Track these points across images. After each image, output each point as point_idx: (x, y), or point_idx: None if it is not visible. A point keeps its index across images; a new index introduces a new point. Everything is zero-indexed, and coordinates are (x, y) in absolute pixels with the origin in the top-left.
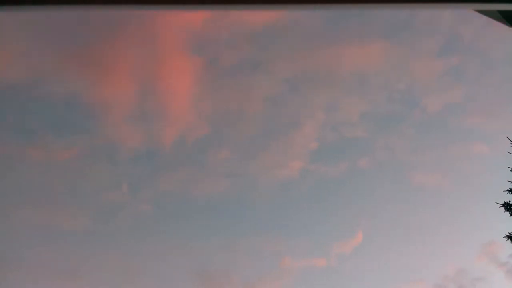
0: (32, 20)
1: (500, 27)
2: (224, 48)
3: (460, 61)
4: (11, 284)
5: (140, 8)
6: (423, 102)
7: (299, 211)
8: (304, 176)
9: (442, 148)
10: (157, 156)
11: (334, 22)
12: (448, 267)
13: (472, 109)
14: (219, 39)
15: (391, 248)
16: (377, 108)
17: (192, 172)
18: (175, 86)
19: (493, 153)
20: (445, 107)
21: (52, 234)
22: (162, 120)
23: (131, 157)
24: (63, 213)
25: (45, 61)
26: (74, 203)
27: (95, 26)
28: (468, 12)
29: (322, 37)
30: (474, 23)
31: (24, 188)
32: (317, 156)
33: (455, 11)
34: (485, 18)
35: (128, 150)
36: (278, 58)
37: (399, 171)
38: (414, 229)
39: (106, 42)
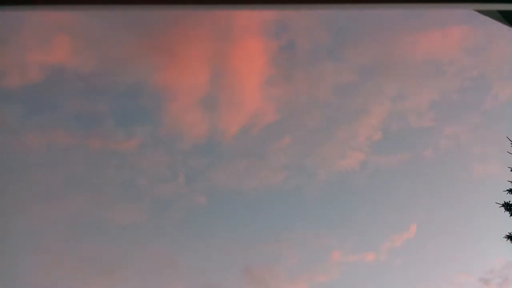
0: (97, 10)
1: (500, 27)
2: (298, 35)
3: None
4: (59, 277)
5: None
6: (494, 90)
7: (354, 204)
8: (364, 168)
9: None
10: (218, 146)
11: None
12: (495, 261)
13: None
14: (293, 25)
15: (444, 242)
16: (447, 97)
17: (250, 163)
18: (245, 73)
19: None
20: None
21: (103, 227)
22: (228, 109)
23: (192, 147)
24: (116, 206)
25: (113, 50)
26: (128, 195)
27: (162, 13)
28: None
29: (397, 24)
30: None
31: (80, 180)
32: (380, 146)
33: (455, 11)
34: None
35: (190, 140)
36: (352, 46)
37: (463, 162)
38: (472, 222)
39: (174, 29)
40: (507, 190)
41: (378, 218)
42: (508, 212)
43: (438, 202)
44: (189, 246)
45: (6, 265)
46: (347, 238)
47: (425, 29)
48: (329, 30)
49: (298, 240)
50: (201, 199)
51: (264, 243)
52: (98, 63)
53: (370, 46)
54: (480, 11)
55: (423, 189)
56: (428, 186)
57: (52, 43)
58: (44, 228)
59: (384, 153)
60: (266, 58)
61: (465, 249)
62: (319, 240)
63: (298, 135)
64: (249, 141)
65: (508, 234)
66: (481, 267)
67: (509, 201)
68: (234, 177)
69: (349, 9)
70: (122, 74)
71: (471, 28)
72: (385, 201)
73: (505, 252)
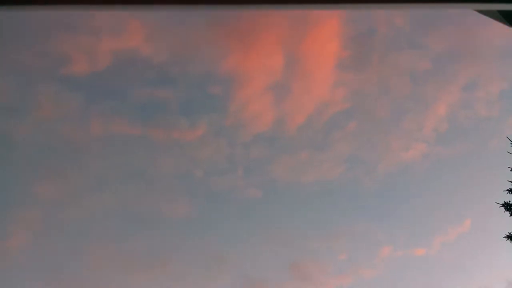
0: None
1: (500, 27)
2: (373, 21)
3: None
4: (110, 267)
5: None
6: None
7: (411, 198)
8: (426, 160)
9: None
10: (281, 137)
11: None
12: None
13: None
14: (368, 12)
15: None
16: None
17: (311, 155)
18: (317, 60)
19: None
20: None
21: (156, 219)
22: (296, 98)
23: (254, 138)
24: (171, 197)
25: (184, 39)
26: (184, 187)
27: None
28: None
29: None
30: None
31: (138, 170)
32: (445, 137)
33: (455, 11)
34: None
35: (253, 131)
36: (427, 34)
37: None
38: None
39: (245, 17)
40: (507, 190)
41: (433, 211)
42: (508, 212)
43: (499, 195)
44: (239, 240)
45: (60, 253)
46: (398, 232)
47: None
48: (405, 16)
49: (348, 235)
50: (256, 192)
51: (314, 238)
52: (169, 51)
53: (449, 32)
54: (480, 11)
55: (485, 181)
56: (490, 178)
57: (123, 30)
58: (98, 217)
59: (448, 143)
60: (340, 45)
61: None
62: (370, 235)
63: (363, 125)
64: (313, 132)
65: (508, 234)
66: None
67: (509, 201)
68: (293, 170)
69: (351, 9)
70: (192, 63)
71: None
72: (443, 195)
73: None
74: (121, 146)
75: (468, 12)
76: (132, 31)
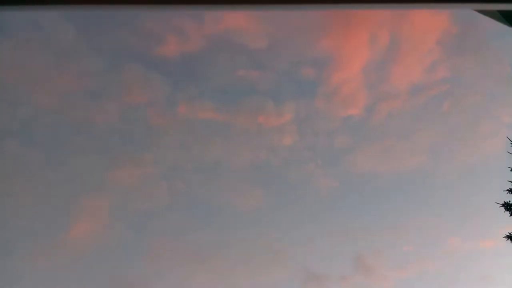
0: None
1: (500, 27)
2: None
3: None
4: (175, 260)
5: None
6: None
7: (486, 189)
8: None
9: None
10: (367, 124)
11: None
12: None
13: None
14: None
15: None
16: None
17: (394, 143)
18: (417, 44)
19: None
20: None
21: (224, 211)
22: (389, 83)
23: (338, 125)
24: (243, 188)
25: (282, 24)
26: (258, 178)
27: None
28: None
29: None
30: None
31: (216, 159)
32: None
33: (455, 11)
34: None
35: (338, 118)
36: None
37: None
38: None
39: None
40: (507, 190)
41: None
42: (508, 212)
43: None
44: (304, 232)
45: (125, 243)
46: (466, 224)
47: None
48: None
49: (415, 227)
50: (333, 183)
51: (381, 230)
52: (263, 35)
53: None
54: (480, 11)
55: None
56: None
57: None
58: (165, 207)
59: None
60: (442, 28)
61: None
62: (437, 227)
63: (453, 113)
64: (401, 118)
65: (508, 234)
66: None
67: (509, 201)
68: (372, 160)
69: (350, 9)
70: (286, 47)
71: None
72: None
73: None
74: (201, 132)
75: (468, 12)
76: (228, 15)
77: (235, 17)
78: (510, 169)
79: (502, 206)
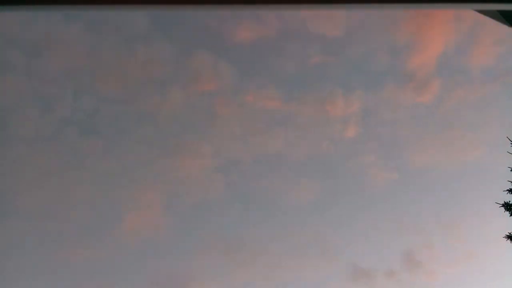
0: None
1: (500, 27)
2: None
3: None
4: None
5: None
6: None
7: None
8: None
9: None
10: (437, 112)
11: None
12: None
13: None
14: None
15: None
16: None
17: (460, 136)
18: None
19: None
20: None
21: (276, 205)
22: (466, 67)
23: (406, 114)
24: (296, 181)
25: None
26: (312, 170)
27: None
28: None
29: None
30: None
31: (275, 150)
32: None
33: (455, 11)
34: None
35: (408, 106)
36: None
37: None
38: None
39: None
40: (507, 190)
41: None
42: (508, 212)
43: None
44: (359, 225)
45: (173, 237)
46: None
47: None
48: None
49: (473, 222)
50: (392, 175)
51: (432, 225)
52: (337, 24)
53: None
54: (480, 11)
55: None
56: None
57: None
58: (218, 201)
59: None
60: None
61: None
62: (489, 221)
63: None
64: (470, 108)
65: (508, 234)
66: None
67: (509, 201)
68: (435, 151)
69: (349, 9)
70: (361, 37)
71: None
72: None
73: None
74: (265, 122)
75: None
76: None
77: None
78: (511, 169)
79: (502, 206)
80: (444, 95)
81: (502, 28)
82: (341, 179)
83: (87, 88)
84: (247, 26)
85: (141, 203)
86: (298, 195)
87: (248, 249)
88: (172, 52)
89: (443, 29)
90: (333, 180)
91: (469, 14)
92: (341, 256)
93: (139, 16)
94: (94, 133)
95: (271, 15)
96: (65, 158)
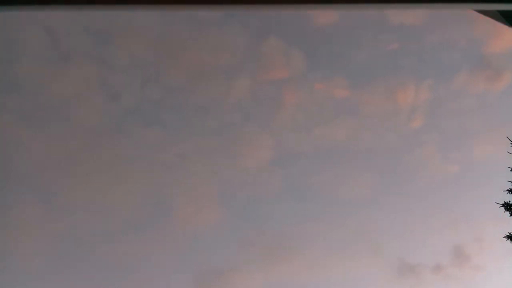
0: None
1: (500, 27)
2: None
3: None
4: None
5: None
6: None
7: None
8: None
9: None
10: (503, 102)
11: None
12: None
13: None
14: None
15: None
16: None
17: None
18: None
19: None
20: None
21: (329, 199)
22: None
23: (472, 106)
24: (354, 174)
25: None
26: (379, 163)
27: None
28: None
29: None
30: None
31: (335, 143)
32: None
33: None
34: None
35: (473, 97)
36: None
37: None
38: None
39: None
40: (507, 190)
41: None
42: (508, 212)
43: None
44: (411, 219)
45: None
46: None
47: None
48: None
49: None
50: (452, 168)
51: (487, 218)
52: (412, 12)
53: None
54: (480, 11)
55: None
56: None
57: None
58: (275, 195)
59: None
60: None
61: None
62: None
63: None
64: None
65: (508, 234)
66: None
67: (509, 201)
68: (500, 143)
69: (349, 9)
70: (435, 27)
71: None
72: None
73: None
74: (330, 111)
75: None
76: None
77: None
78: (511, 169)
79: (502, 206)
80: None
81: None
82: (399, 172)
83: (154, 77)
84: (320, 13)
85: (197, 194)
86: (353, 190)
87: (295, 243)
88: (243, 40)
89: None
90: (390, 173)
91: None
92: (389, 251)
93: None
94: (156, 124)
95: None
96: (125, 148)
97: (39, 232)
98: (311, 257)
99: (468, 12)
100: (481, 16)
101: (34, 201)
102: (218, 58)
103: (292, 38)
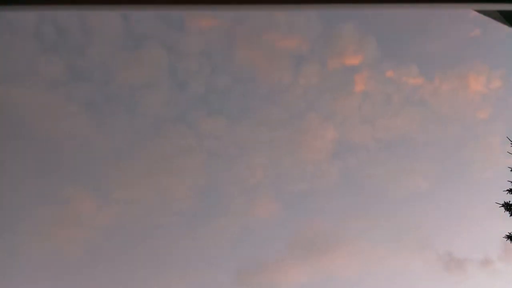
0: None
1: (500, 27)
2: None
3: None
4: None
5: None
6: None
7: None
8: None
9: None
10: None
11: None
12: None
13: None
14: None
15: None
16: None
17: None
18: None
19: None
20: None
21: (381, 195)
22: None
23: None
24: (419, 170)
25: None
26: (438, 157)
27: None
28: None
29: None
30: None
31: (397, 137)
32: None
33: (455, 11)
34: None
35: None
36: None
37: None
38: None
39: None
40: (507, 190)
41: None
42: (508, 212)
43: None
44: (462, 212)
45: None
46: None
47: None
48: None
49: None
50: None
51: None
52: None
53: None
54: (480, 11)
55: None
56: None
57: None
58: (331, 186)
59: None
60: None
61: None
62: None
63: None
64: None
65: (508, 234)
66: None
67: (509, 201)
68: None
69: (349, 9)
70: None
71: None
72: None
73: None
74: (398, 101)
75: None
76: None
77: None
78: (511, 169)
79: (502, 206)
80: None
81: None
82: (457, 165)
83: (223, 65)
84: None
85: (252, 187)
86: (410, 183)
87: (345, 237)
88: (317, 27)
89: None
90: (449, 166)
91: None
92: (438, 245)
93: None
94: (220, 113)
95: None
96: (187, 138)
97: (93, 223)
98: (359, 251)
99: None
100: (481, 16)
101: (91, 194)
102: (289, 44)
103: (365, 25)
